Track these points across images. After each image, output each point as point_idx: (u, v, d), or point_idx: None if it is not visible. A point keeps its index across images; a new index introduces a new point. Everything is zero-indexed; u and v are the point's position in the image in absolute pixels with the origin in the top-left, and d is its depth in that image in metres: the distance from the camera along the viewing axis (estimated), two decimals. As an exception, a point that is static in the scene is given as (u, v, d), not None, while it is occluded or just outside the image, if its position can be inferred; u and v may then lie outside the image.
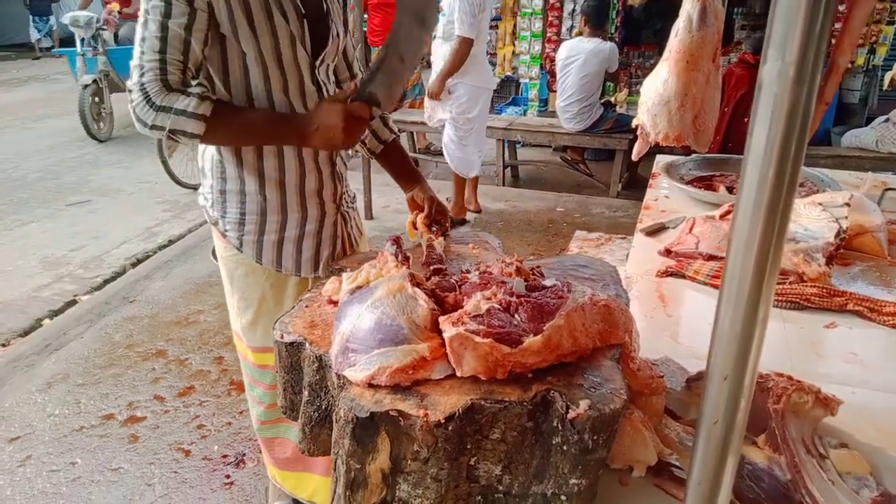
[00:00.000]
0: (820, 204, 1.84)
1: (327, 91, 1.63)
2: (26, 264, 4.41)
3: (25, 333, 3.53)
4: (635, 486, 1.06)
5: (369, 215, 4.85)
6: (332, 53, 1.62)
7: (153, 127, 1.36)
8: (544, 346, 0.96)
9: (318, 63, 1.56)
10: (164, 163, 5.45)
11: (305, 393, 1.14)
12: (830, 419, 1.14)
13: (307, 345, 1.12)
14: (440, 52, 4.64)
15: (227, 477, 2.35)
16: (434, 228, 1.65)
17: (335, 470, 1.00)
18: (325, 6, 1.57)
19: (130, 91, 1.37)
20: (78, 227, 5.07)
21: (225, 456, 2.45)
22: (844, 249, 1.78)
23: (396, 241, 1.24)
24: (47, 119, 8.66)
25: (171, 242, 4.71)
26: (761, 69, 0.57)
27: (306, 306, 1.26)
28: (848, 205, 1.78)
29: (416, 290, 1.04)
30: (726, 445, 0.69)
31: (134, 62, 1.37)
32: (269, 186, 1.59)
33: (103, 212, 5.39)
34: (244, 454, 2.44)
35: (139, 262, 4.43)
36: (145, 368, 3.04)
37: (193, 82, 1.40)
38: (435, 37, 4.55)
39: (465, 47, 4.40)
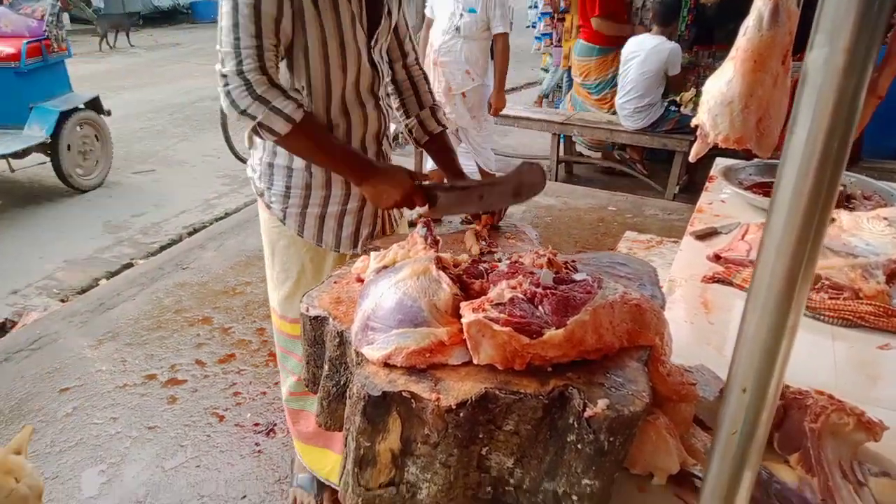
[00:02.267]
0: (885, 219, 1.73)
1: (381, 71, 1.62)
2: (91, 226, 4.62)
3: (83, 291, 3.70)
4: (654, 494, 1.03)
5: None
6: (385, 32, 1.61)
7: (244, 113, 1.38)
8: (566, 341, 0.93)
9: (372, 43, 1.56)
10: (227, 139, 5.61)
11: (326, 367, 1.15)
12: (873, 445, 1.07)
13: (331, 320, 1.12)
14: (463, 51, 4.29)
15: (257, 445, 2.40)
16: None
17: (346, 446, 1.00)
18: None
19: (225, 76, 1.38)
20: (141, 194, 5.28)
21: (256, 424, 2.51)
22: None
23: (427, 223, 1.23)
24: (122, 91, 9.05)
25: (226, 215, 4.85)
26: (807, 56, 0.52)
27: (335, 282, 1.26)
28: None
29: (441, 273, 1.02)
30: (744, 459, 0.65)
31: (226, 48, 1.37)
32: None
33: (166, 182, 5.59)
34: (275, 424, 2.49)
35: (195, 231, 4.58)
36: (190, 333, 3.14)
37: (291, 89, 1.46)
38: (448, 33, 4.24)
39: (507, 43, 4.32)
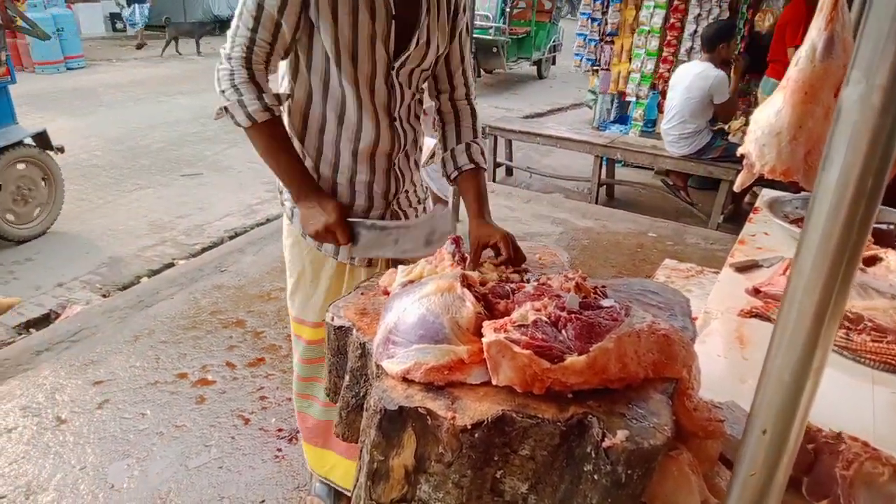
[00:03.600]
0: (937, 261, 1.65)
1: (402, 93, 1.61)
2: (137, 225, 4.77)
3: (124, 288, 3.82)
4: (672, 533, 0.99)
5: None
6: (416, 60, 1.58)
7: (222, 93, 1.47)
8: (588, 368, 0.91)
9: (396, 64, 1.55)
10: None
11: (347, 378, 1.15)
12: (910, 499, 1.02)
13: (354, 331, 1.12)
14: None
15: (279, 450, 2.42)
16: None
17: (360, 458, 1.00)
18: (423, 10, 1.53)
19: (220, 56, 1.48)
20: (187, 196, 5.43)
21: (280, 430, 2.53)
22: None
23: (456, 240, 1.22)
24: (179, 96, 9.35)
25: (268, 221, 4.94)
26: (842, 92, 0.51)
27: (362, 293, 1.27)
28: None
29: (465, 291, 1.02)
30: (761, 502, 0.62)
31: (230, 32, 1.47)
32: (323, 166, 1.65)
33: (212, 185, 5.74)
34: (298, 431, 2.50)
35: (236, 235, 4.68)
36: (223, 335, 3.20)
37: (283, 84, 1.51)
38: None
39: None
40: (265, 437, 2.49)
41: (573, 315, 0.98)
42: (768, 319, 1.66)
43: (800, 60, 2.01)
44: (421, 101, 1.74)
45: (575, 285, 1.11)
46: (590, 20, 6.79)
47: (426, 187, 1.90)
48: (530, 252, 1.54)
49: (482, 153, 1.74)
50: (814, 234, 0.54)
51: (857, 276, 1.72)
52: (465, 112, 1.77)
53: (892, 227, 2.15)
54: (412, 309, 1.01)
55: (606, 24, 6.63)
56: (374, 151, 1.63)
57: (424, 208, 1.86)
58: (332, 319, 1.18)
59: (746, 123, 5.49)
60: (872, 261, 1.83)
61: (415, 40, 1.54)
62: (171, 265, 4.16)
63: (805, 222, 0.54)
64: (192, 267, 4.02)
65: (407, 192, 1.77)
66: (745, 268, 2.01)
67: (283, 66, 1.60)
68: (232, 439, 2.47)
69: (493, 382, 0.92)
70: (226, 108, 1.47)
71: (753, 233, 2.32)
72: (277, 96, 1.50)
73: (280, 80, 1.65)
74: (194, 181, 5.85)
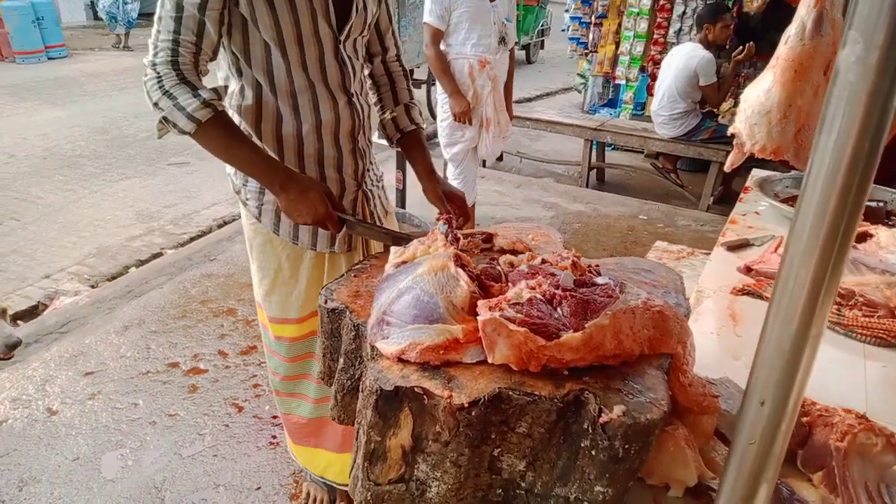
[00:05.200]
0: (927, 236, 1.67)
1: (352, 67, 1.58)
2: (124, 215, 4.72)
3: (112, 278, 3.79)
4: (669, 506, 1.00)
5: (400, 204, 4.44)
6: (359, 28, 1.56)
7: (155, 105, 1.38)
8: (583, 344, 0.91)
9: (343, 38, 1.52)
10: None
11: (341, 360, 1.14)
12: (903, 469, 1.03)
13: (348, 313, 1.12)
14: (506, 65, 3.91)
15: (273, 437, 2.42)
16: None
17: (357, 439, 0.99)
18: None
19: (145, 67, 1.39)
20: (174, 185, 5.38)
21: (275, 417, 2.52)
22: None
23: (449, 220, 1.21)
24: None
25: (255, 209, 4.89)
26: (839, 54, 0.50)
27: (354, 276, 1.26)
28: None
29: (460, 270, 1.01)
30: (760, 471, 0.63)
31: (151, 39, 1.39)
32: (287, 157, 1.58)
33: (199, 174, 5.68)
34: (290, 421, 2.51)
35: (225, 223, 4.65)
36: (214, 324, 3.18)
37: (220, 76, 1.47)
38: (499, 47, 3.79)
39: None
40: (259, 424, 2.49)
41: (568, 293, 0.98)
42: (760, 297, 1.67)
43: (789, 39, 2.01)
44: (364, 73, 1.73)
45: (571, 263, 1.11)
46: (582, 2, 6.75)
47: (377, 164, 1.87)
48: (523, 233, 1.53)
49: (420, 113, 1.80)
50: (811, 200, 0.53)
51: (850, 252, 1.73)
52: (398, 74, 1.79)
53: (882, 204, 2.17)
54: (406, 289, 1.00)
55: (597, 6, 6.60)
56: (338, 133, 1.60)
57: (382, 186, 1.85)
58: (326, 302, 1.17)
59: (735, 105, 5.49)
60: (863, 237, 1.84)
61: (354, 7, 1.52)
62: (159, 255, 4.13)
63: (802, 187, 0.54)
64: (180, 256, 3.99)
65: (369, 169, 1.76)
66: (736, 246, 2.02)
67: (222, 72, 1.55)
68: (226, 427, 2.46)
69: (489, 361, 0.92)
70: (164, 119, 1.38)
71: (744, 212, 2.33)
72: (215, 90, 1.42)
73: (221, 84, 1.58)
74: (181, 170, 5.79)
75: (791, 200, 2.33)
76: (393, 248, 1.18)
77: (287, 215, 1.49)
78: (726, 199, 5.07)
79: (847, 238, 0.52)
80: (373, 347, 1.01)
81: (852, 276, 1.65)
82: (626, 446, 0.86)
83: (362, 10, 1.55)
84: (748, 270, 1.81)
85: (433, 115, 6.48)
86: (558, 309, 0.96)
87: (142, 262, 4.01)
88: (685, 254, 3.70)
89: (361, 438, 0.97)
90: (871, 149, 0.49)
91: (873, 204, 2.18)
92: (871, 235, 1.86)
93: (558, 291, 0.97)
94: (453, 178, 3.94)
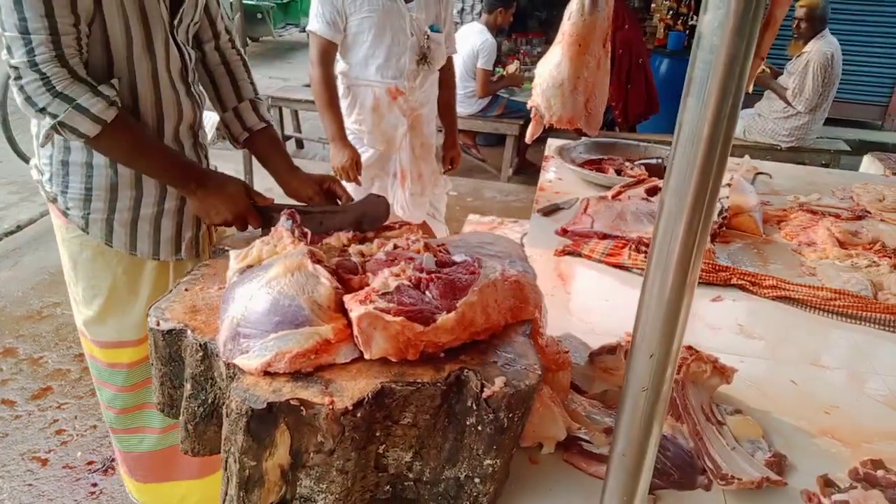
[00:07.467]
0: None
1: (189, 54, 1.46)
2: None
3: None
4: (545, 464, 1.05)
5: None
6: (191, 10, 1.44)
7: (43, 111, 1.17)
8: (457, 324, 0.91)
9: (176, 22, 1.39)
10: (10, 139, 4.84)
11: (188, 386, 1.01)
12: (724, 387, 1.19)
13: (189, 332, 0.99)
14: (433, 87, 2.94)
15: (94, 486, 2.10)
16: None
17: (226, 469, 0.89)
18: None
19: (16, 69, 1.15)
20: None
21: (90, 462, 2.19)
22: (725, 228, 1.88)
23: (292, 215, 1.13)
24: None
25: (19, 228, 4.17)
26: (701, 18, 0.54)
27: (186, 289, 1.12)
28: (729, 185, 1.88)
29: (318, 267, 0.94)
30: (653, 413, 0.67)
31: (10, 32, 1.14)
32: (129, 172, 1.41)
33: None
34: (113, 459, 2.20)
35: (-20, 244, 3.91)
36: (-9, 370, 2.68)
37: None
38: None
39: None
40: (73, 474, 2.15)
41: (433, 275, 0.96)
42: (580, 255, 1.81)
43: (572, 15, 2.19)
44: None
45: (424, 245, 1.10)
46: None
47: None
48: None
49: (269, 108, 1.67)
50: (681, 157, 0.57)
51: (646, 206, 1.94)
52: (235, 63, 1.63)
53: (660, 160, 2.47)
54: (261, 295, 0.91)
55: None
56: (179, 126, 1.45)
57: None
58: (158, 324, 1.03)
59: (518, 70, 5.86)
60: (655, 191, 2.08)
61: None
62: None
63: (672, 147, 0.57)
64: (-73, 297, 3.28)
65: (208, 163, 1.62)
66: (549, 211, 2.17)
67: None
68: (30, 486, 2.09)
69: (366, 356, 0.88)
70: (61, 125, 1.17)
71: (550, 179, 2.51)
72: (111, 84, 1.24)
73: None
74: None
75: (586, 165, 2.56)
76: (233, 253, 1.06)
77: (201, 215, 1.38)
78: (522, 169, 5.45)
79: (715, 191, 0.57)
80: (230, 365, 0.91)
81: (650, 227, 1.87)
82: (510, 415, 0.88)
83: None
84: (564, 232, 1.96)
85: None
86: (427, 292, 0.94)
87: None
88: (496, 224, 3.93)
89: (233, 467, 0.87)
90: (733, 104, 0.53)
91: (652, 161, 2.48)
92: (659, 189, 2.12)
93: (423, 275, 0.96)
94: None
